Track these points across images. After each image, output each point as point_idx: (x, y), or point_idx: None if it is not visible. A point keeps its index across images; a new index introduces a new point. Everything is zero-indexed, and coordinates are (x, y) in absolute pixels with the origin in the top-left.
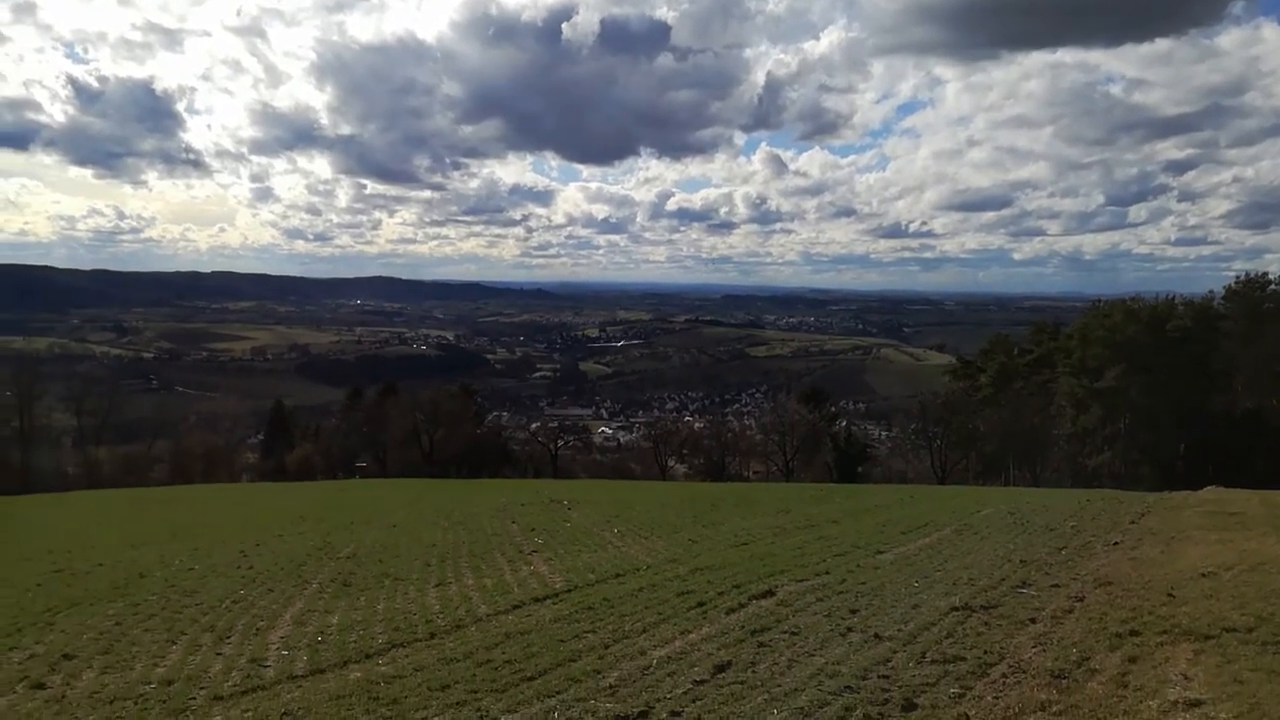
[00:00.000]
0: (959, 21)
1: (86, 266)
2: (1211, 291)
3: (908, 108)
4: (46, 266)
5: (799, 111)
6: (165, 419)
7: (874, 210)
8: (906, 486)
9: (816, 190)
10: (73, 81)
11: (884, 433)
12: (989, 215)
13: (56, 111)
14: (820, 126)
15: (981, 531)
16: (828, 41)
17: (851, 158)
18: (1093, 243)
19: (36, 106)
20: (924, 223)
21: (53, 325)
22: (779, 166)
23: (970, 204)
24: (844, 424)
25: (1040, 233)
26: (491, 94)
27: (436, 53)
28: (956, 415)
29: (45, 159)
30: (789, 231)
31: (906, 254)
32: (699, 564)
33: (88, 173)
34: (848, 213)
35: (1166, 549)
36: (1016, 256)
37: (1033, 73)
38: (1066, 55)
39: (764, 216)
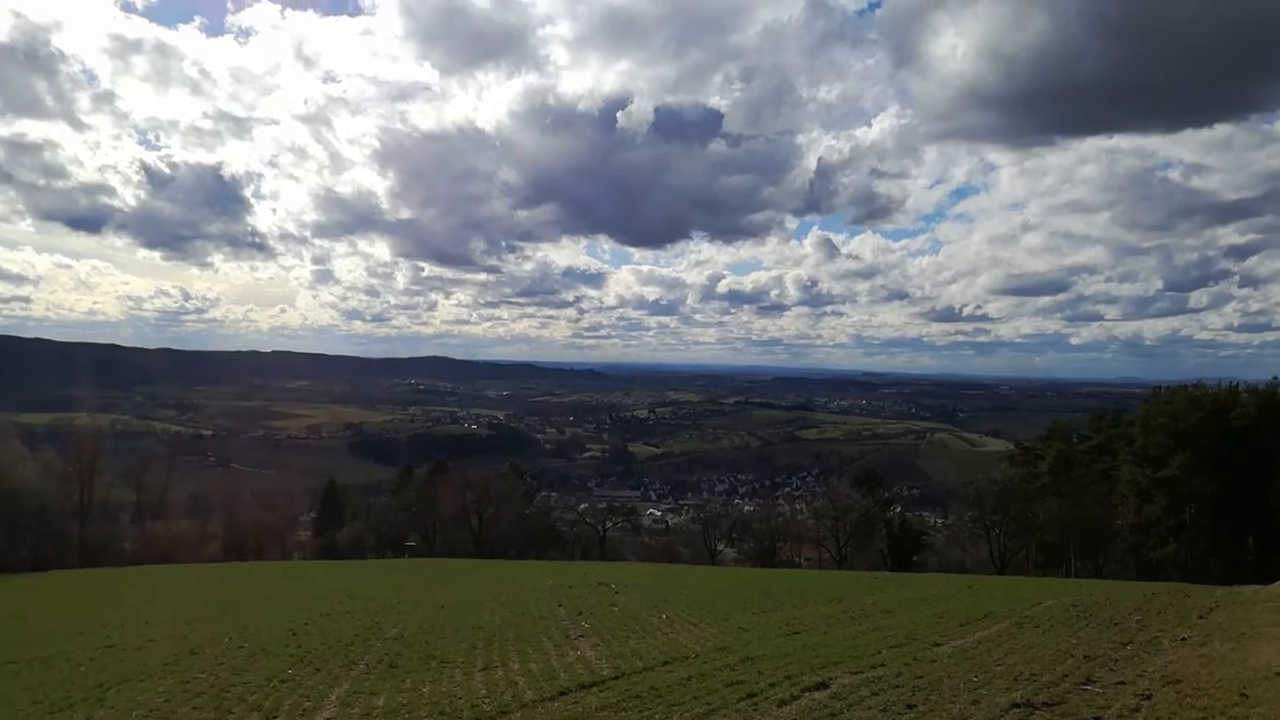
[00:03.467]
0: (1011, 108)
1: (152, 345)
2: (1276, 378)
3: (961, 192)
4: (114, 345)
5: (851, 196)
6: (221, 495)
7: (927, 294)
8: (964, 576)
9: (868, 273)
10: (145, 167)
11: (939, 520)
12: (1045, 300)
13: (129, 196)
14: (872, 211)
15: (1043, 624)
16: (879, 128)
17: (904, 241)
18: (1152, 328)
19: (110, 191)
20: (978, 307)
21: (117, 402)
22: (830, 250)
23: (1025, 288)
24: (898, 510)
25: (1098, 317)
26: (548, 180)
27: (495, 141)
28: (1015, 503)
29: (116, 241)
30: (840, 314)
31: (960, 338)
32: (749, 653)
33: (156, 255)
34: (900, 296)
35: (1237, 646)
36: (1074, 341)
37: (1088, 158)
38: (1122, 141)
39: (815, 299)
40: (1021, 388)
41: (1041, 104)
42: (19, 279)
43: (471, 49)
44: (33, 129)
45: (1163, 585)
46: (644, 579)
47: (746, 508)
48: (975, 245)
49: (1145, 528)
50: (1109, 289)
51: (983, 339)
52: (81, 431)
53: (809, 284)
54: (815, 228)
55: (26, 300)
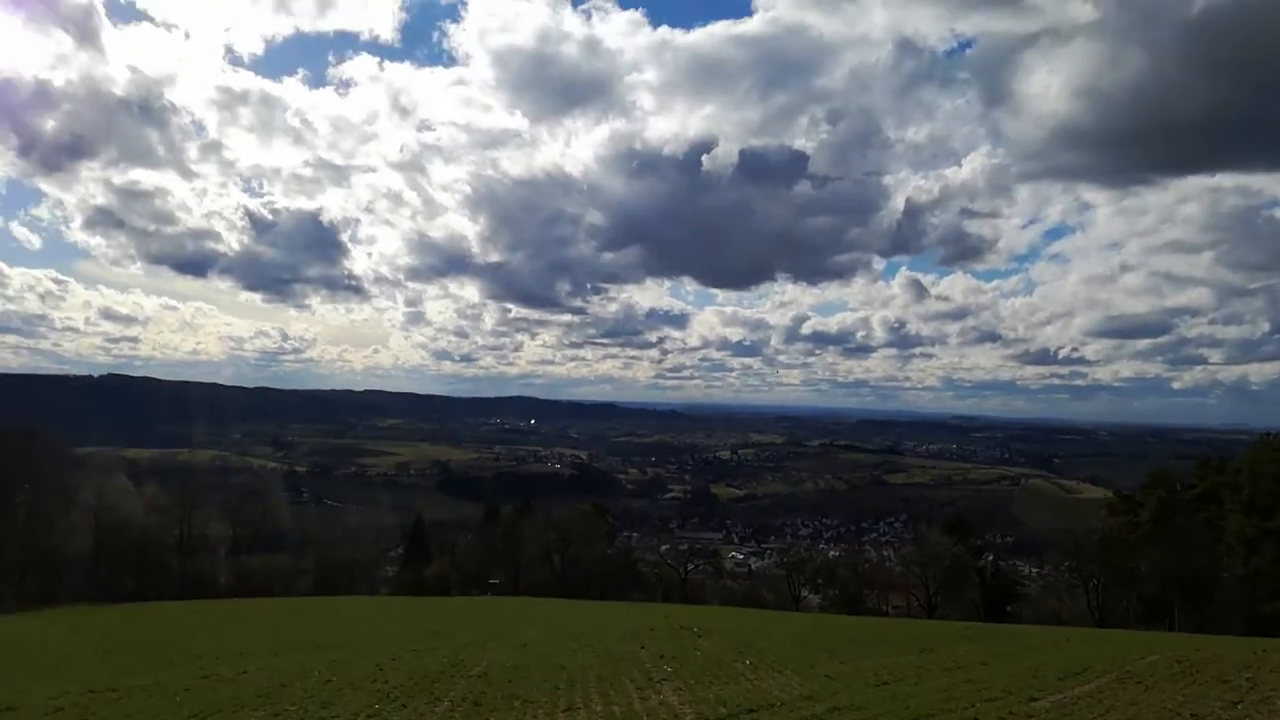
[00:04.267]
0: (1108, 147)
1: (250, 384)
2: None
3: (1055, 232)
4: (215, 384)
5: (940, 236)
6: (313, 531)
7: (1020, 336)
8: (1061, 628)
9: (959, 315)
10: (249, 214)
11: (1034, 569)
12: (1144, 342)
13: (232, 241)
14: (963, 251)
15: (1146, 681)
16: (970, 168)
17: (996, 282)
18: (1259, 372)
19: (216, 236)
20: (1074, 349)
21: (217, 439)
22: (919, 291)
23: (1124, 330)
24: (991, 558)
25: (1201, 361)
26: (633, 223)
27: (582, 185)
28: (1114, 553)
29: (220, 284)
30: (929, 356)
31: (1056, 381)
32: (836, 703)
33: (257, 297)
34: (992, 338)
35: None
36: (1175, 386)
37: (1189, 197)
38: (1225, 179)
39: (903, 341)
40: (1120, 433)
41: (1139, 142)
42: (128, 320)
43: (560, 97)
44: (145, 177)
45: (1274, 641)
46: (726, 623)
47: (831, 553)
48: (1071, 286)
49: (1254, 580)
50: (1213, 331)
51: (1079, 383)
52: (183, 467)
53: (897, 325)
54: (904, 268)
55: (135, 340)
